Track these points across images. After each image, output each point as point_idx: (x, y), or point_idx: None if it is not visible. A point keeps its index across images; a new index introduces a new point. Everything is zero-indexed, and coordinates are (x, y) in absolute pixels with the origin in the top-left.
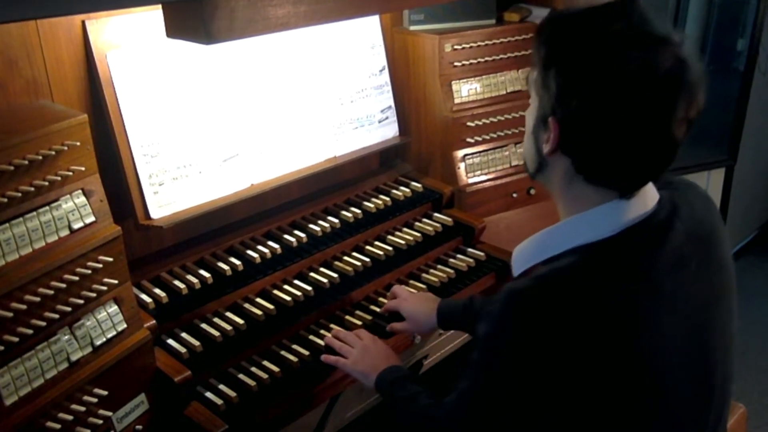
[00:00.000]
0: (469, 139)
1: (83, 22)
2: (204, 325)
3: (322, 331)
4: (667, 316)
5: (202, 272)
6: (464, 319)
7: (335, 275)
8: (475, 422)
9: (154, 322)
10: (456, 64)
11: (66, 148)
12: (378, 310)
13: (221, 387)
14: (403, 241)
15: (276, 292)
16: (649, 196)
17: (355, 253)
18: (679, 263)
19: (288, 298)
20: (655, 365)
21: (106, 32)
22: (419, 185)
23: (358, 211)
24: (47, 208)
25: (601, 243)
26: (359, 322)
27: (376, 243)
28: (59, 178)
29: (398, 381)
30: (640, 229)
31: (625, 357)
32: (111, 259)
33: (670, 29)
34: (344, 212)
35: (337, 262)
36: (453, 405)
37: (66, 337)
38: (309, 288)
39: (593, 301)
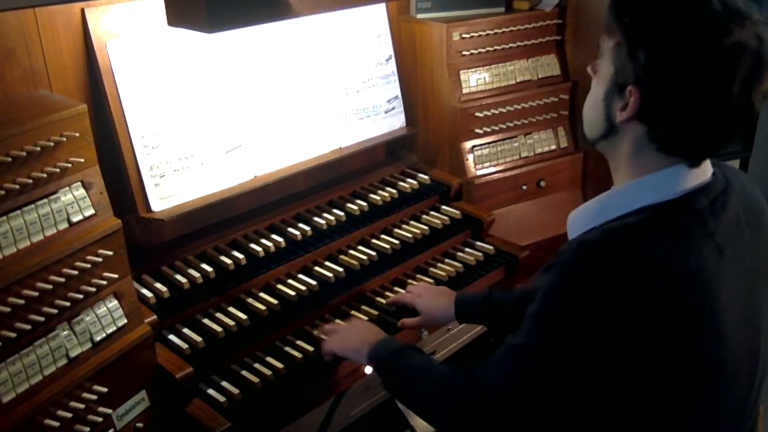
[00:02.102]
0: (477, 130)
1: (82, 10)
2: (206, 321)
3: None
4: (728, 277)
5: (204, 266)
6: (484, 312)
7: (340, 269)
8: (525, 383)
9: (155, 317)
10: (464, 53)
11: (65, 139)
12: (384, 302)
13: (223, 384)
14: (410, 235)
15: (280, 286)
16: (707, 167)
17: (360, 247)
18: (737, 230)
19: (292, 293)
20: (715, 322)
21: (106, 20)
22: (426, 177)
23: (363, 203)
24: (46, 200)
25: (666, 204)
26: (365, 317)
27: (383, 236)
28: (58, 170)
29: (401, 350)
30: (701, 194)
31: (690, 311)
32: (111, 253)
33: (749, 6)
34: (350, 205)
35: (342, 256)
36: (502, 363)
37: (65, 332)
38: (314, 282)
39: (663, 255)
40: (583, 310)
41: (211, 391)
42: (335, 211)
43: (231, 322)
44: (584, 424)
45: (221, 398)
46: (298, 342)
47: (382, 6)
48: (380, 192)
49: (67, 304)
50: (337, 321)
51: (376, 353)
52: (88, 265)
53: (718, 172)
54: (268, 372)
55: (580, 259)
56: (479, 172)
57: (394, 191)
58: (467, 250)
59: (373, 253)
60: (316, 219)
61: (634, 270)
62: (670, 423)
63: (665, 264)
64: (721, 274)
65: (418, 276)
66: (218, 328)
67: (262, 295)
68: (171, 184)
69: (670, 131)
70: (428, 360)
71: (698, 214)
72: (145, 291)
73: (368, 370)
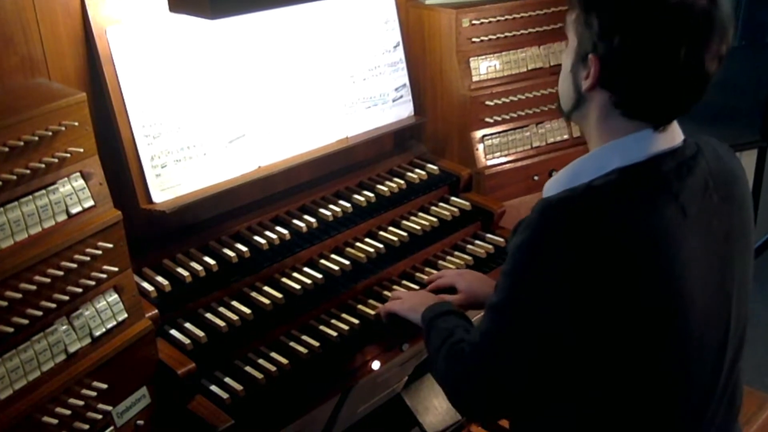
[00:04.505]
0: (487, 119)
1: None
2: (209, 315)
3: (334, 321)
4: (692, 238)
5: (207, 259)
6: None
7: (347, 262)
8: (501, 339)
9: (156, 311)
10: (474, 40)
11: (64, 128)
12: (390, 295)
13: (227, 380)
14: (418, 227)
15: (285, 280)
16: (676, 133)
17: (368, 239)
18: (704, 193)
19: (297, 287)
20: (679, 284)
21: (106, 7)
22: (435, 167)
23: (371, 194)
24: (44, 191)
25: (632, 166)
26: (373, 312)
27: (390, 228)
28: (56, 160)
29: (446, 314)
30: (668, 157)
31: (653, 270)
32: (111, 246)
33: None
34: (356, 196)
35: (349, 249)
36: (484, 324)
37: (63, 327)
38: (319, 276)
39: (624, 213)
40: (546, 264)
41: (213, 388)
42: (341, 202)
43: (234, 317)
44: (560, 380)
45: (224, 395)
46: (304, 337)
47: None
48: (388, 183)
49: (66, 298)
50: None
51: (425, 314)
52: (88, 258)
53: (690, 140)
54: (273, 368)
55: (542, 215)
56: (490, 163)
57: (402, 182)
58: (477, 242)
59: (381, 246)
60: (322, 210)
61: (592, 226)
62: (636, 380)
63: (625, 221)
64: (684, 235)
65: (427, 269)
66: (221, 323)
67: (266, 288)
68: (172, 175)
69: (630, 95)
70: (457, 325)
71: (663, 176)
72: (145, 284)
73: (375, 366)
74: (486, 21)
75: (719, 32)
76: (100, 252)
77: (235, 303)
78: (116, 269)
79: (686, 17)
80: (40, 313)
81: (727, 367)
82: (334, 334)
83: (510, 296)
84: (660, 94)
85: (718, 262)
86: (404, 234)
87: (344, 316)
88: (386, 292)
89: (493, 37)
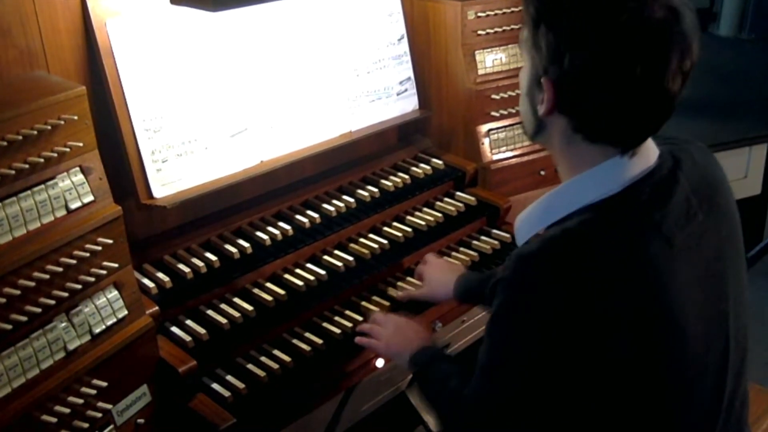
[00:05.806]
0: (493, 113)
1: None
2: (210, 312)
3: (337, 318)
4: (682, 267)
5: (209, 255)
6: (479, 291)
7: (350, 258)
8: (499, 398)
9: (156, 308)
10: (480, 32)
11: (63, 122)
12: (398, 294)
13: (229, 378)
14: (423, 222)
15: (287, 276)
16: (650, 152)
17: (371, 235)
18: (687, 215)
19: (300, 283)
20: (673, 318)
21: None
22: (440, 162)
23: (375, 189)
24: (43, 186)
25: (608, 200)
26: (376, 309)
27: (395, 224)
28: (56, 155)
29: (432, 362)
30: (644, 184)
31: (644, 311)
32: (111, 241)
33: None
34: (360, 191)
35: (352, 245)
36: (475, 383)
37: (63, 324)
38: (322, 272)
39: (607, 258)
40: (530, 322)
41: (215, 386)
42: (345, 197)
43: (236, 314)
44: (558, 417)
45: (226, 393)
46: (307, 334)
47: None
48: (392, 178)
49: (65, 294)
50: (378, 314)
51: (414, 361)
52: (87, 254)
53: (666, 152)
54: (275, 366)
55: (520, 274)
56: (495, 157)
57: (406, 177)
58: (483, 238)
59: (385, 242)
60: (325, 206)
61: (574, 279)
62: (637, 412)
63: (608, 267)
64: (672, 267)
65: None
66: (223, 320)
67: (268, 285)
68: (173, 170)
69: (588, 119)
70: (447, 374)
71: (642, 207)
72: (146, 281)
73: (379, 363)
74: (492, 13)
75: (679, 47)
76: (99, 248)
77: (236, 300)
78: (116, 265)
79: (640, 33)
80: (38, 310)
81: (731, 386)
82: (338, 331)
83: (496, 357)
84: (619, 116)
85: (711, 283)
86: (408, 230)
87: (347, 312)
88: (391, 289)
89: (499, 29)
